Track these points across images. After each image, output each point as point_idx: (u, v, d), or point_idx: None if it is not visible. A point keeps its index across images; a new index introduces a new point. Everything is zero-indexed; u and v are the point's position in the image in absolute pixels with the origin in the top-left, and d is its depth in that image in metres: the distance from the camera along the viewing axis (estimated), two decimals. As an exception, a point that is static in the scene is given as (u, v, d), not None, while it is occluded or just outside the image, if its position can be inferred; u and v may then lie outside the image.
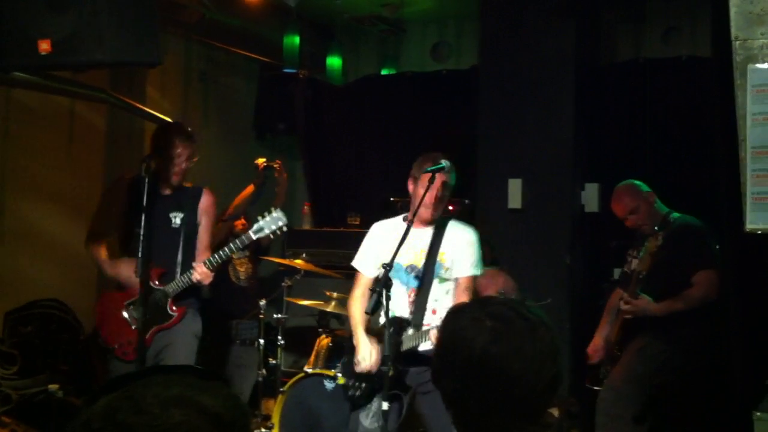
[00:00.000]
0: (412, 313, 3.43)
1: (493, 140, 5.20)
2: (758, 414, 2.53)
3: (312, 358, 4.55)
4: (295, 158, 6.88)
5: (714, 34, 4.01)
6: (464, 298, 3.43)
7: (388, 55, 6.60)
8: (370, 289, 3.29)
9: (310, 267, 4.83)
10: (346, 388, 3.52)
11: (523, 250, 4.94)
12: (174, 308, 3.75)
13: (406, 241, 3.30)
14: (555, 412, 4.16)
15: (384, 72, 6.58)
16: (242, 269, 5.11)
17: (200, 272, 3.65)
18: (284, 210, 3.68)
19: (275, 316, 4.66)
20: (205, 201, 3.88)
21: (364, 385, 3.44)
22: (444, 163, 3.34)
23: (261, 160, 5.04)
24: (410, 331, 3.40)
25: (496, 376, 1.40)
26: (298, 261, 4.85)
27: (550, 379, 1.42)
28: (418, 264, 3.45)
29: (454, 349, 1.45)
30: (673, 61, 5.27)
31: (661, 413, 3.93)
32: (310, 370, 4.32)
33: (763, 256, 3.57)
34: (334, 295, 4.57)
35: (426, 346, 3.33)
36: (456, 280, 3.46)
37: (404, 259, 3.42)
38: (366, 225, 5.64)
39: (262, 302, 4.67)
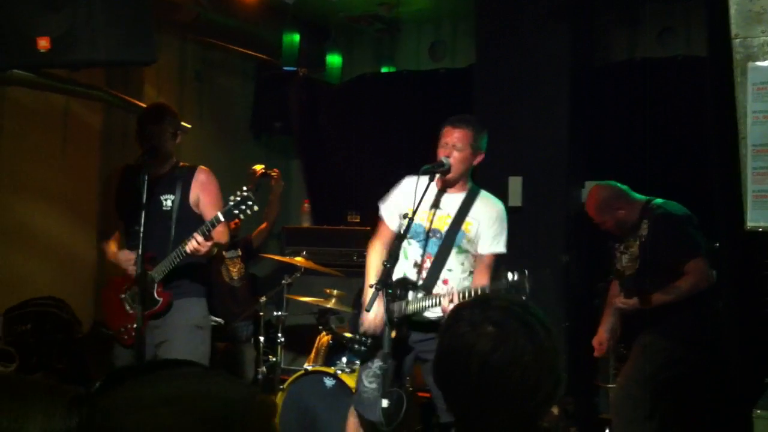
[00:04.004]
0: (423, 279, 3.36)
1: (490, 138, 5.19)
2: (758, 412, 2.53)
3: (312, 355, 4.56)
4: (292, 157, 6.88)
5: (710, 32, 4.03)
6: (485, 274, 3.36)
7: (385, 54, 6.60)
8: (370, 285, 3.27)
9: (310, 265, 4.84)
10: (351, 342, 3.49)
11: (521, 248, 4.94)
12: (159, 293, 3.61)
13: (432, 204, 3.31)
14: (554, 410, 4.17)
15: (382, 71, 6.58)
16: (234, 269, 5.11)
17: (198, 240, 3.43)
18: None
19: (275, 313, 4.66)
20: (200, 178, 3.74)
21: (370, 341, 3.38)
22: (445, 160, 3.35)
23: (259, 167, 4.99)
24: (419, 294, 3.31)
25: (495, 383, 1.39)
26: (298, 258, 4.86)
27: (550, 386, 1.41)
28: (441, 229, 3.37)
29: (454, 356, 1.43)
30: (669, 60, 5.29)
31: (669, 409, 3.93)
32: (310, 368, 4.32)
33: (760, 255, 3.59)
34: (334, 292, 4.57)
35: (434, 311, 3.27)
36: (477, 254, 3.39)
37: (428, 222, 3.36)
38: (365, 223, 5.69)
39: (262, 299, 4.68)
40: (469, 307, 1.48)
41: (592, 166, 5.23)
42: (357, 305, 3.64)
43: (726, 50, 2.50)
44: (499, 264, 3.45)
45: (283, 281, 4.71)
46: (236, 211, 3.46)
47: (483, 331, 1.40)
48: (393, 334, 3.11)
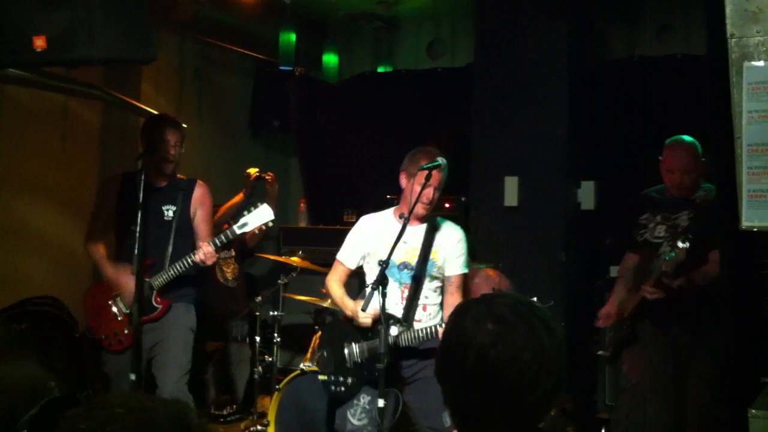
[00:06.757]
0: (404, 308, 3.42)
1: (488, 138, 5.20)
2: (753, 411, 2.53)
3: (308, 355, 4.55)
4: (290, 156, 6.89)
5: (708, 31, 4.02)
6: (457, 295, 3.45)
7: (383, 52, 6.60)
8: (365, 286, 3.28)
9: (306, 264, 4.84)
10: (327, 384, 3.47)
11: (518, 248, 4.94)
12: (158, 300, 3.70)
13: (397, 238, 3.28)
14: (551, 410, 4.16)
15: (379, 70, 6.57)
16: (228, 270, 5.11)
17: (206, 251, 3.58)
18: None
19: (271, 313, 4.66)
20: (199, 192, 3.85)
21: (350, 380, 3.40)
22: (440, 160, 3.33)
23: (253, 171, 4.98)
24: (401, 328, 3.35)
25: (491, 379, 1.39)
26: (294, 258, 4.86)
27: (549, 387, 1.40)
28: (411, 261, 3.44)
29: (454, 349, 1.44)
30: (668, 59, 5.28)
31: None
32: (306, 368, 4.32)
33: (758, 254, 3.58)
34: (330, 292, 4.56)
35: (416, 343, 3.33)
36: (446, 278, 3.48)
37: (397, 257, 3.39)
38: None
39: (258, 299, 4.67)
40: (476, 304, 1.51)
41: (591, 164, 5.23)
42: (323, 346, 3.59)
43: (723, 49, 2.49)
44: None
45: (279, 281, 4.70)
46: (252, 225, 3.57)
47: (484, 325, 1.41)
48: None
